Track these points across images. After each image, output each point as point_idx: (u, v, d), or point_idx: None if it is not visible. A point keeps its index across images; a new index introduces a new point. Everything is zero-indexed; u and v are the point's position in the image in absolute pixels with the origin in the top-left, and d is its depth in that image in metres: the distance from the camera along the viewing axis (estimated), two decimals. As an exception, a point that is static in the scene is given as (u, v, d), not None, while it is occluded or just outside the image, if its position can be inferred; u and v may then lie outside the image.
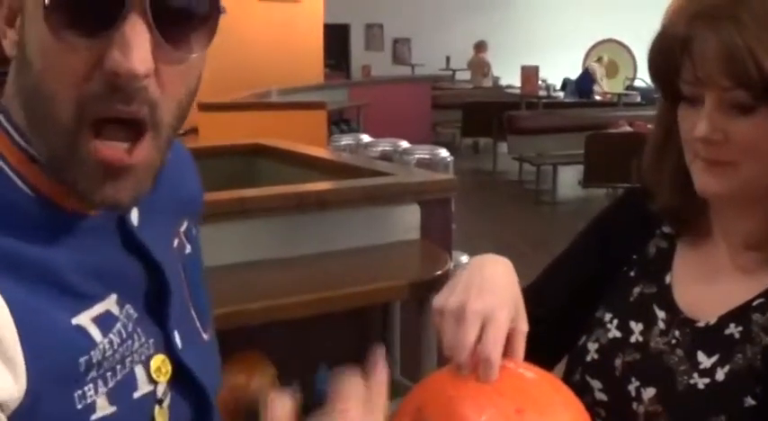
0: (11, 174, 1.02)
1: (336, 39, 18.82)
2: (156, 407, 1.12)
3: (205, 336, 1.28)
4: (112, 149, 0.98)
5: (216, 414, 1.25)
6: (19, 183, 1.02)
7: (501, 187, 13.53)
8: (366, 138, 5.69)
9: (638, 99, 15.67)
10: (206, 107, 7.06)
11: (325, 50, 13.31)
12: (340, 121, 12.37)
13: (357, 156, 5.29)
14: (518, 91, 15.95)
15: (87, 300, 1.04)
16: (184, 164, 1.33)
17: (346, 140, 5.78)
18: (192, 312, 1.26)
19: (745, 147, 1.30)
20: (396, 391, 3.60)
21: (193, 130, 6.89)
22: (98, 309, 1.05)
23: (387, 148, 5.34)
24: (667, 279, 1.51)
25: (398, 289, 3.28)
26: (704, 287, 1.47)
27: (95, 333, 1.03)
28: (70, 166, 0.99)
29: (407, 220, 3.75)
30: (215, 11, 1.01)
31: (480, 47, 19.31)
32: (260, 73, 10.43)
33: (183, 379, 1.17)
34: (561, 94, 17.34)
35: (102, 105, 0.95)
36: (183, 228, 1.28)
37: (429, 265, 3.48)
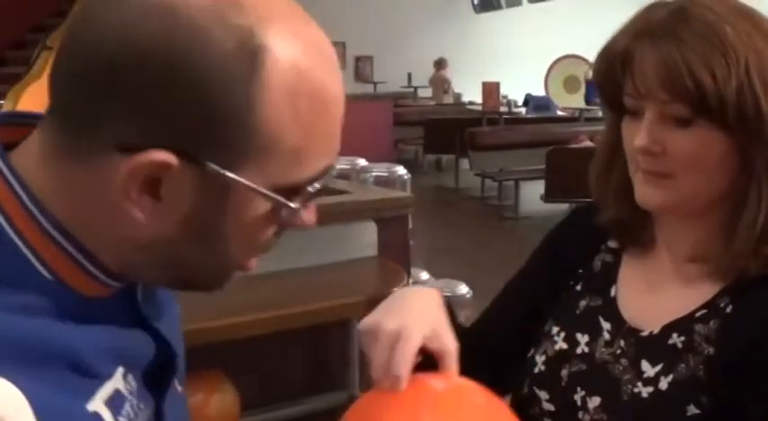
0: (28, 254, 0.96)
1: (298, 57, 18.81)
2: None
3: (179, 388, 1.26)
4: (252, 263, 1.05)
5: None
6: (38, 265, 0.96)
7: (464, 203, 13.56)
8: (323, 156, 5.71)
9: (600, 114, 15.74)
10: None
11: (287, 69, 13.31)
12: (302, 140, 12.38)
13: (315, 175, 5.28)
14: (479, 107, 15.98)
15: (99, 380, 1.01)
16: None
17: (304, 159, 5.79)
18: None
19: (683, 160, 1.33)
20: None
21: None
22: (108, 387, 1.02)
23: (344, 167, 5.34)
24: (612, 291, 1.53)
25: (356, 305, 3.29)
26: (648, 298, 1.50)
27: (108, 417, 1.00)
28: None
29: (365, 238, 3.79)
30: None
31: (440, 64, 19.38)
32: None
33: None
34: (523, 110, 17.40)
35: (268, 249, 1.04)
36: None
37: (386, 282, 3.52)
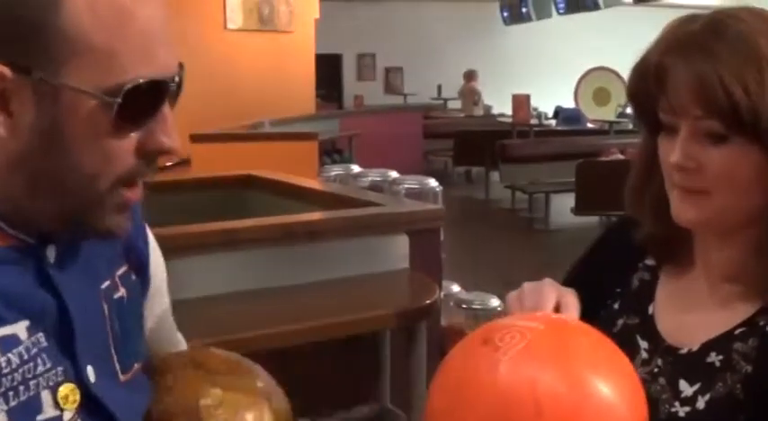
0: None
1: (328, 69, 18.89)
2: None
3: (121, 377, 1.32)
4: (133, 192, 1.17)
5: None
6: None
7: (493, 215, 13.55)
8: (356, 168, 5.73)
9: (630, 126, 15.68)
10: (197, 138, 7.10)
11: (317, 80, 13.35)
12: (332, 151, 12.40)
13: (347, 187, 5.34)
14: (510, 119, 15.96)
15: None
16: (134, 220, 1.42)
17: (336, 171, 5.83)
18: (113, 351, 1.30)
19: (718, 177, 1.32)
20: (386, 419, 3.60)
21: (185, 162, 6.91)
22: (3, 331, 1.12)
23: (376, 179, 5.37)
24: (650, 309, 1.53)
25: (387, 317, 3.33)
26: (686, 316, 1.49)
27: None
28: (93, 214, 1.16)
29: (396, 250, 3.79)
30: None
31: (470, 76, 19.37)
32: (252, 103, 10.47)
33: (95, 410, 1.22)
34: (553, 122, 17.36)
35: (137, 174, 1.15)
36: (119, 272, 1.35)
37: (418, 294, 3.52)
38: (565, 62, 20.14)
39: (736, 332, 1.40)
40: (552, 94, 19.27)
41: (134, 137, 1.12)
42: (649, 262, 1.58)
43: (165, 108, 1.13)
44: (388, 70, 22.25)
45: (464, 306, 5.08)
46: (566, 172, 11.44)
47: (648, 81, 1.38)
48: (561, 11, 19.42)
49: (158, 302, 1.51)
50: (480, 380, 1.22)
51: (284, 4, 12.20)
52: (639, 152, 1.53)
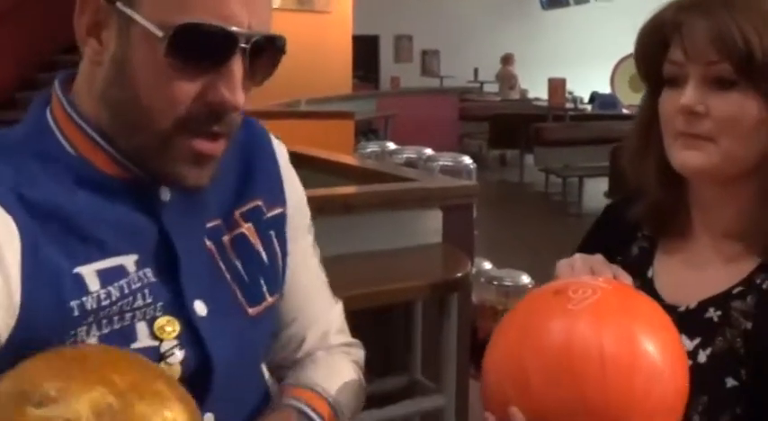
0: (60, 137, 1.25)
1: (366, 50, 18.88)
2: (162, 363, 1.25)
3: (250, 311, 1.40)
4: (203, 144, 1.22)
5: (219, 386, 1.33)
6: (66, 145, 1.24)
7: (527, 198, 13.57)
8: (391, 145, 5.76)
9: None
10: (236, 115, 7.12)
11: (354, 61, 13.36)
12: (368, 132, 12.43)
13: (382, 163, 5.38)
14: (545, 103, 15.93)
15: (103, 252, 1.21)
16: (256, 146, 1.50)
17: (372, 148, 5.85)
18: (234, 287, 1.38)
19: (724, 122, 1.41)
20: (416, 391, 3.65)
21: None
22: (110, 262, 1.21)
23: (411, 156, 5.39)
24: (649, 273, 1.61)
25: (420, 289, 3.38)
26: (686, 276, 1.56)
27: (93, 283, 1.18)
28: (163, 157, 1.22)
29: (430, 225, 3.84)
30: (281, 54, 1.27)
31: (507, 59, 19.33)
32: (290, 83, 10.45)
33: (195, 342, 1.29)
34: (589, 108, 17.32)
35: (199, 124, 1.20)
36: (243, 209, 1.42)
37: (450, 267, 3.56)
38: (602, 48, 20.02)
39: (735, 291, 1.47)
40: (588, 80, 19.19)
41: (196, 84, 1.18)
42: (647, 232, 1.65)
43: (234, 64, 1.19)
44: (424, 52, 22.20)
45: (495, 282, 5.11)
46: (600, 156, 11.38)
47: (663, 33, 1.47)
48: (599, -4, 19.35)
49: (295, 236, 1.54)
50: (550, 326, 1.30)
51: (322, -16, 12.23)
52: (640, 116, 1.61)
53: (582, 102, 17.60)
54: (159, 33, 1.15)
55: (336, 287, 3.29)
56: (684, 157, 1.45)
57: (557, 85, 15.26)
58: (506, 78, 19.38)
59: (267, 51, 1.25)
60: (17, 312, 1.12)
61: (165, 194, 1.28)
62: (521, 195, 13.82)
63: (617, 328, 1.27)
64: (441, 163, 5.07)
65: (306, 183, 1.62)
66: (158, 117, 1.19)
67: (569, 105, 15.78)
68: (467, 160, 5.09)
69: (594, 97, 18.18)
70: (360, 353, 1.67)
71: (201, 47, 1.16)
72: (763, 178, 1.44)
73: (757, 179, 1.45)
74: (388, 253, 3.66)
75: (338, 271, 3.32)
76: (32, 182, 1.18)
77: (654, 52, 1.49)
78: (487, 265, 5.48)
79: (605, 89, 17.90)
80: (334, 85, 11.86)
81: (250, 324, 1.40)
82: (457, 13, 21.45)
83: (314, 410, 1.45)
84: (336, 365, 1.58)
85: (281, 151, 1.53)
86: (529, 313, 1.36)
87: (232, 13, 1.17)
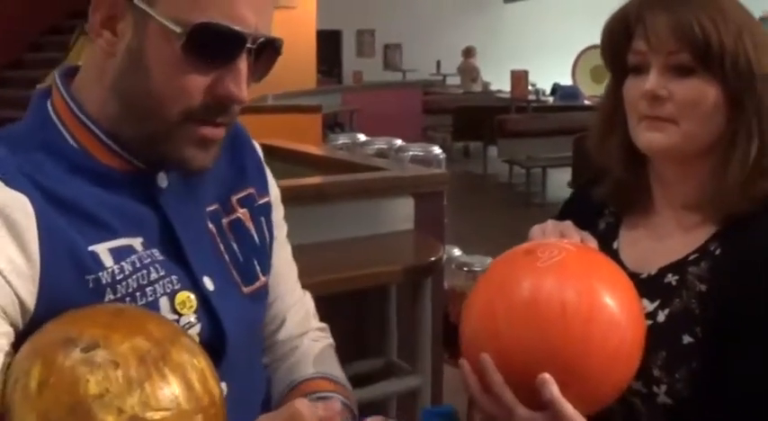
0: (62, 129, 1.34)
1: (328, 45, 18.91)
2: None
3: (244, 289, 1.50)
4: (208, 129, 1.32)
5: (230, 358, 1.42)
6: (68, 138, 1.33)
7: (492, 190, 13.67)
8: (362, 137, 5.83)
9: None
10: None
11: (317, 56, 13.40)
12: (334, 125, 12.48)
13: (354, 154, 5.47)
14: (508, 96, 15.99)
15: (111, 234, 1.30)
16: (243, 141, 1.61)
17: (343, 140, 5.92)
18: (231, 266, 1.49)
19: (685, 105, 1.55)
20: (393, 373, 3.71)
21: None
22: (119, 242, 1.31)
23: (382, 146, 5.46)
24: (615, 245, 1.75)
25: (394, 273, 3.46)
26: (647, 247, 1.71)
27: (107, 259, 1.28)
28: (171, 142, 1.32)
29: (402, 212, 3.93)
30: (278, 55, 1.37)
31: (469, 52, 19.41)
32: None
33: (211, 316, 1.39)
34: (551, 99, 17.42)
35: (206, 115, 1.31)
36: (239, 196, 1.54)
37: (423, 252, 3.66)
38: (563, 40, 20.14)
39: (691, 257, 1.62)
40: (550, 71, 19.29)
41: (206, 78, 1.29)
42: (613, 209, 1.80)
43: (241, 61, 1.30)
44: (387, 47, 22.27)
45: (465, 268, 5.18)
46: (563, 147, 11.44)
47: (628, 25, 1.61)
48: (560, -12, 19.44)
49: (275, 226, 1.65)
50: (520, 279, 1.45)
51: (286, -20, 12.24)
52: (604, 103, 1.75)
53: (544, 93, 17.69)
54: (177, 29, 1.25)
55: (313, 273, 3.38)
56: (649, 138, 1.59)
57: (519, 77, 15.34)
58: (468, 71, 19.46)
59: (268, 51, 1.35)
60: (38, 283, 1.20)
61: (163, 181, 1.38)
62: (485, 186, 13.91)
63: (578, 283, 1.42)
64: (411, 153, 5.16)
65: (280, 175, 1.73)
66: (169, 105, 1.28)
67: (532, 97, 15.85)
68: (436, 150, 5.18)
69: (556, 89, 18.26)
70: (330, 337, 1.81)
71: (215, 45, 1.26)
72: (719, 155, 1.59)
73: (714, 156, 1.59)
74: (362, 239, 3.74)
75: (315, 257, 3.40)
76: (40, 169, 1.27)
77: (619, 43, 1.64)
78: (457, 252, 5.54)
79: (567, 81, 18.00)
80: (299, 81, 11.86)
81: (248, 301, 1.51)
82: (419, 7, 21.51)
83: (347, 398, 1.61)
84: (327, 351, 1.73)
85: (258, 148, 1.65)
86: (502, 270, 1.52)
87: (242, 15, 1.27)
